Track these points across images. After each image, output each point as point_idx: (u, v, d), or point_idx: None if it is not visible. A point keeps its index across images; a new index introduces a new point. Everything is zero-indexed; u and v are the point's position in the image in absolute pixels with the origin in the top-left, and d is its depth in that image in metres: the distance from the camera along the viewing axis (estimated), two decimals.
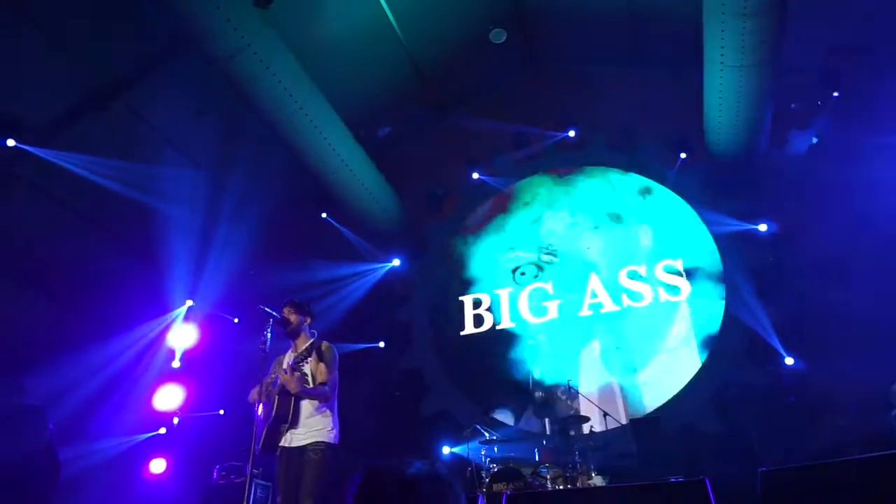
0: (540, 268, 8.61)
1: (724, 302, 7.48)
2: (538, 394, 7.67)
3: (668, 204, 8.31)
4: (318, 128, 7.25)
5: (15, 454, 5.42)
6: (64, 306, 7.45)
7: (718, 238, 7.80)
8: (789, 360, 6.80)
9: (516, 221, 9.08)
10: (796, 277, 7.14)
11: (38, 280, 7.17)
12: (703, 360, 7.33)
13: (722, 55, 6.33)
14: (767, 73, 6.45)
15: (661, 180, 8.41)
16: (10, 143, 6.11)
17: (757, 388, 6.78)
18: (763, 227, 7.50)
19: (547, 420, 7.43)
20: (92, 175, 6.63)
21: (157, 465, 7.75)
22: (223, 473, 6.63)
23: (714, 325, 7.45)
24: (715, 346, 7.33)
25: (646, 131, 8.51)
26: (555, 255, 8.59)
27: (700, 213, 8.05)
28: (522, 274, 8.65)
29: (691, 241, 8.00)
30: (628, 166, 8.69)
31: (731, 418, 6.71)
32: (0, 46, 5.84)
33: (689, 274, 7.82)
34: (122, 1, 6.13)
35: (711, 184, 7.99)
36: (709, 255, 7.82)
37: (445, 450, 7.54)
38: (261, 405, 4.23)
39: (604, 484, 5.95)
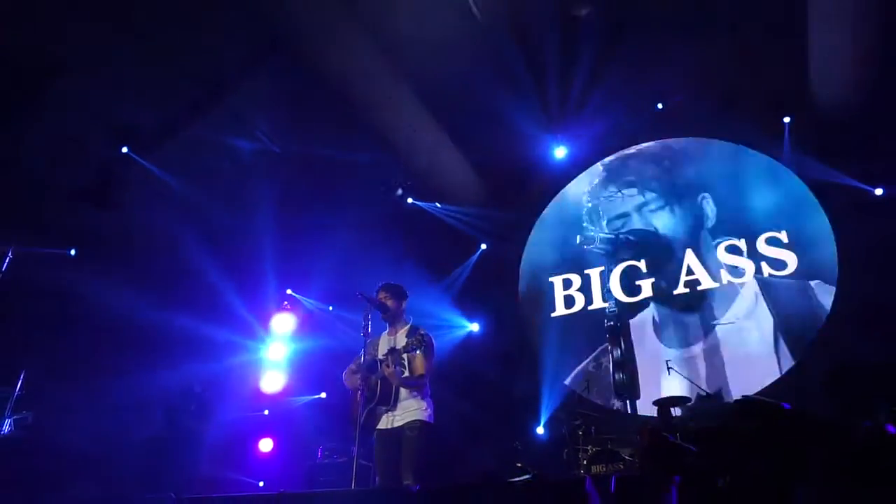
0: (624, 245, 8.37)
1: (836, 275, 6.94)
2: (618, 375, 7.52)
3: (770, 171, 7.78)
4: (403, 117, 7.39)
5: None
6: (175, 298, 8.02)
7: (829, 206, 7.22)
8: None
9: (604, 199, 8.84)
10: None
11: (150, 275, 7.75)
12: (813, 338, 6.85)
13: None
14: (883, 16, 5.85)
15: (761, 146, 7.88)
16: (124, 150, 6.67)
17: (877, 369, 6.24)
18: (879, 192, 6.89)
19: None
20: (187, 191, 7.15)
21: (266, 445, 8.28)
22: (327, 453, 6.94)
23: (825, 299, 6.94)
24: (827, 323, 6.83)
25: (742, 96, 7.98)
26: (640, 234, 8.31)
27: (806, 180, 7.47)
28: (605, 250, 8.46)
29: (797, 210, 7.46)
30: (724, 134, 8.20)
31: (847, 402, 6.22)
32: (109, 59, 6.34)
33: (796, 246, 7.32)
34: (214, 8, 6.45)
35: (819, 147, 7.36)
36: (818, 224, 7.27)
37: (539, 430, 7.54)
38: (357, 388, 4.38)
39: None
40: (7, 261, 5.22)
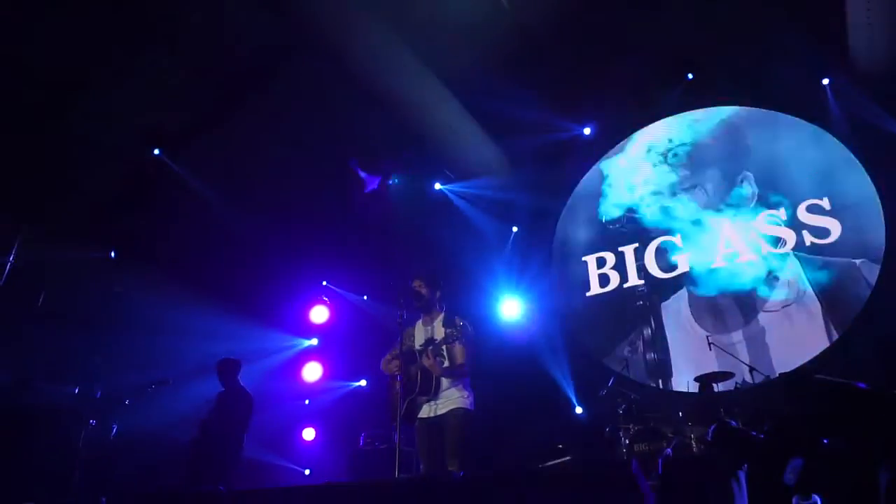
0: (656, 221, 8.22)
1: (883, 243, 6.68)
2: (650, 355, 7.42)
3: (809, 137, 7.51)
4: (429, 104, 7.35)
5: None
6: (212, 295, 8.16)
7: (874, 169, 6.93)
8: None
9: (635, 174, 8.66)
10: None
11: (184, 272, 7.89)
12: (858, 310, 6.62)
13: None
14: None
15: (800, 111, 7.59)
16: (156, 151, 6.79)
17: None
18: None
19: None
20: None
21: (308, 434, 8.47)
22: (369, 440, 7.03)
23: (871, 269, 6.68)
24: (875, 293, 6.58)
25: (778, 59, 7.67)
26: (674, 209, 8.13)
27: (848, 144, 7.19)
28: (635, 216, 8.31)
29: (839, 175, 7.18)
30: (760, 101, 7.93)
31: None
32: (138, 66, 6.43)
33: (839, 213, 7.06)
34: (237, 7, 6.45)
35: (860, 108, 7.07)
36: (863, 189, 6.99)
37: (578, 410, 7.51)
38: (396, 377, 4.40)
39: None
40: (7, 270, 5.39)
